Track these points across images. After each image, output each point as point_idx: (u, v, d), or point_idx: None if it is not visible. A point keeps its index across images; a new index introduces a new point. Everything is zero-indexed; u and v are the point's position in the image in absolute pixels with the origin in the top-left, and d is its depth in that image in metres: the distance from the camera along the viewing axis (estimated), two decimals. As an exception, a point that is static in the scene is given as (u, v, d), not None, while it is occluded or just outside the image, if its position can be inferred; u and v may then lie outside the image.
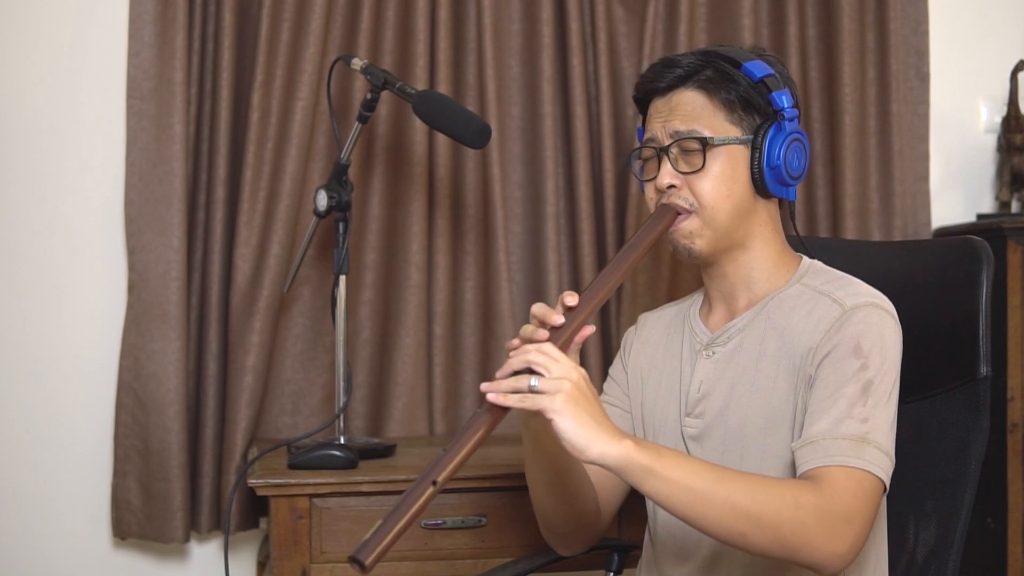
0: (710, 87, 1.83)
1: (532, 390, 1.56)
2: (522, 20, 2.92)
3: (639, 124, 1.97)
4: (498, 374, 1.61)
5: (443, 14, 2.81)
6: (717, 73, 1.83)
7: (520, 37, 2.92)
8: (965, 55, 3.18)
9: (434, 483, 1.51)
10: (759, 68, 1.83)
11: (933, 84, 3.08)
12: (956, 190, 3.18)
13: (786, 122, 1.82)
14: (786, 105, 1.81)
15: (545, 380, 1.56)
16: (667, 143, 1.83)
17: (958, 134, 3.18)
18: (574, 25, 2.87)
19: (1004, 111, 3.13)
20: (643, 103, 1.94)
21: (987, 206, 3.19)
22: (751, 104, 1.83)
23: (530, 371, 1.58)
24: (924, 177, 3.07)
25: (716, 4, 2.98)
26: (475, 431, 1.55)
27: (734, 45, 2.02)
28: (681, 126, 1.82)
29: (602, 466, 1.56)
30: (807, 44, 3.01)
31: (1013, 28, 3.21)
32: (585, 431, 1.54)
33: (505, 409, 1.58)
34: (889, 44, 2.99)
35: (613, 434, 1.55)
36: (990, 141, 3.19)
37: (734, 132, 1.82)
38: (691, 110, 1.82)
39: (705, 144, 1.80)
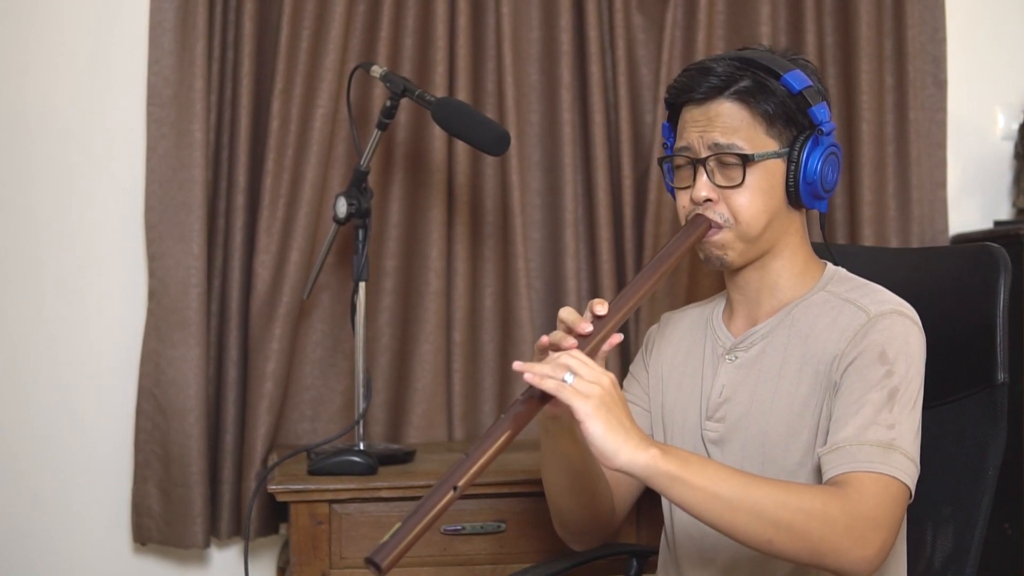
0: (749, 99, 1.79)
1: (565, 384, 1.55)
2: (541, 28, 2.93)
3: (664, 120, 1.94)
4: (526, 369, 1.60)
5: (462, 21, 2.82)
6: (755, 84, 1.79)
7: (539, 45, 2.93)
8: (982, 62, 3.18)
9: (454, 488, 1.50)
10: (798, 80, 1.79)
11: (950, 91, 3.08)
12: (973, 197, 3.18)
13: (823, 136, 1.80)
14: (824, 119, 1.80)
15: (579, 380, 1.55)
16: (705, 155, 1.80)
17: (975, 141, 3.18)
18: (593, 33, 2.87)
19: (1021, 118, 3.13)
20: (674, 107, 1.90)
21: (1004, 213, 3.18)
22: (789, 117, 1.80)
23: None
24: (941, 184, 3.06)
25: (734, 11, 2.99)
26: (497, 437, 1.55)
27: (765, 46, 1.99)
28: (721, 139, 1.79)
29: (628, 474, 1.56)
30: (825, 51, 3.01)
31: (1030, 35, 3.22)
32: (614, 437, 1.53)
33: (528, 417, 1.58)
34: (906, 51, 2.99)
35: (640, 441, 1.55)
36: (1007, 148, 3.19)
37: (772, 145, 1.80)
38: (730, 123, 1.79)
39: (745, 160, 1.78)
